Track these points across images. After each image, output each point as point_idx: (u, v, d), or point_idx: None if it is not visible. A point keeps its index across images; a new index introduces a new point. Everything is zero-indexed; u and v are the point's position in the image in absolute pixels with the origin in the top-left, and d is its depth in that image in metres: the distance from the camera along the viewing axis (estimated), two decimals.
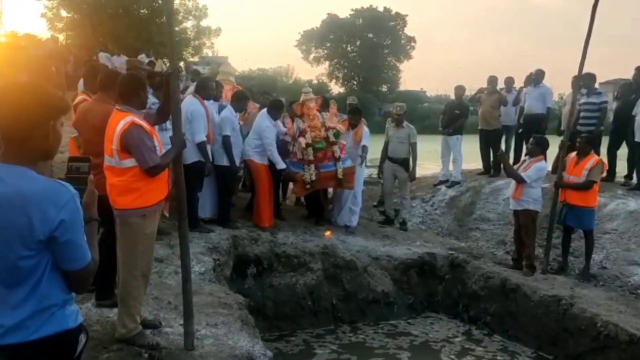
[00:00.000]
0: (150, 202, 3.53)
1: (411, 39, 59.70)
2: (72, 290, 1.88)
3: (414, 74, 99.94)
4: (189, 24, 31.03)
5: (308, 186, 7.40)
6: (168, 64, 15.25)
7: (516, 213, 6.89)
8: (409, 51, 60.14)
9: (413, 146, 8.36)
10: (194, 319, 3.89)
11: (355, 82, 59.96)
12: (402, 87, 61.00)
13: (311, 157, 7.34)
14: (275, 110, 7.44)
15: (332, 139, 7.41)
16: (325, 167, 7.42)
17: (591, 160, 6.70)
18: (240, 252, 6.47)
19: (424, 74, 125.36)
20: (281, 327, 6.41)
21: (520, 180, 6.60)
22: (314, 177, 7.32)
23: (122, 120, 3.47)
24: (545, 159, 6.96)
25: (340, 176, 7.38)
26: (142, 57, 12.59)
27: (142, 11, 28.64)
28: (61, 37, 25.78)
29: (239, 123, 7.37)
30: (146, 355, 3.55)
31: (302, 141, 7.35)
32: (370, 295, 6.89)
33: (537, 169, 6.63)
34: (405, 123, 8.51)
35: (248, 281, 6.45)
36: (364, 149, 7.75)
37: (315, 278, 6.74)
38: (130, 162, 3.47)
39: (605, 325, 5.48)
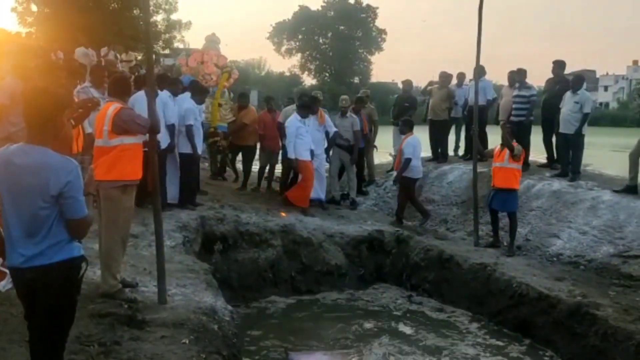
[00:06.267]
0: (128, 177, 4.35)
1: (382, 31, 60.75)
2: (72, 236, 2.63)
3: (386, 66, 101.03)
4: (159, 18, 31.32)
5: None
6: (138, 57, 15.78)
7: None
8: (380, 43, 61.23)
9: (356, 133, 9.35)
10: (166, 280, 4.70)
11: (327, 74, 60.69)
12: (374, 78, 61.98)
13: None
14: (305, 109, 8.78)
15: None
16: None
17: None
18: (208, 230, 7.28)
19: (395, 65, 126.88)
20: (245, 297, 7.25)
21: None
22: None
23: (111, 106, 4.34)
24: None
25: None
26: (104, 50, 13.23)
27: (112, 5, 28.84)
28: (29, 30, 25.87)
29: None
30: (126, 306, 4.35)
31: None
32: (325, 267, 7.80)
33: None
34: (349, 113, 9.44)
35: (215, 256, 7.24)
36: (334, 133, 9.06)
37: (275, 253, 7.60)
38: (116, 141, 4.30)
39: (519, 285, 6.46)
